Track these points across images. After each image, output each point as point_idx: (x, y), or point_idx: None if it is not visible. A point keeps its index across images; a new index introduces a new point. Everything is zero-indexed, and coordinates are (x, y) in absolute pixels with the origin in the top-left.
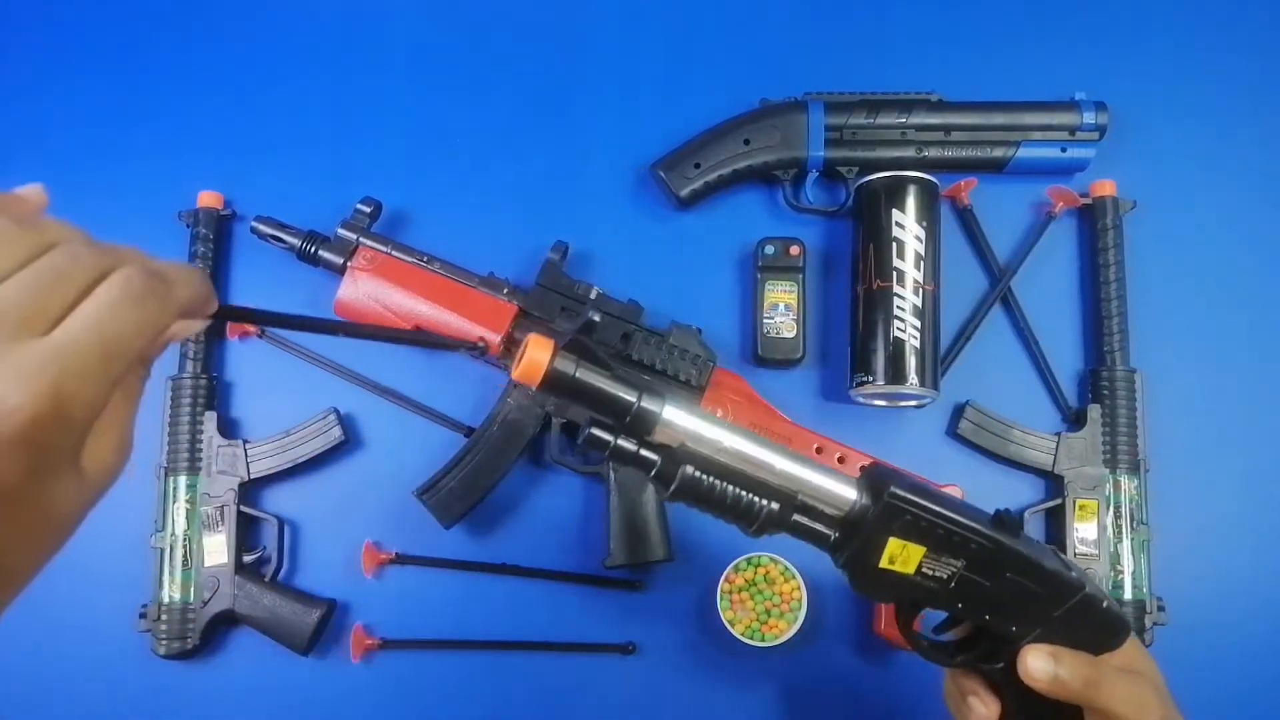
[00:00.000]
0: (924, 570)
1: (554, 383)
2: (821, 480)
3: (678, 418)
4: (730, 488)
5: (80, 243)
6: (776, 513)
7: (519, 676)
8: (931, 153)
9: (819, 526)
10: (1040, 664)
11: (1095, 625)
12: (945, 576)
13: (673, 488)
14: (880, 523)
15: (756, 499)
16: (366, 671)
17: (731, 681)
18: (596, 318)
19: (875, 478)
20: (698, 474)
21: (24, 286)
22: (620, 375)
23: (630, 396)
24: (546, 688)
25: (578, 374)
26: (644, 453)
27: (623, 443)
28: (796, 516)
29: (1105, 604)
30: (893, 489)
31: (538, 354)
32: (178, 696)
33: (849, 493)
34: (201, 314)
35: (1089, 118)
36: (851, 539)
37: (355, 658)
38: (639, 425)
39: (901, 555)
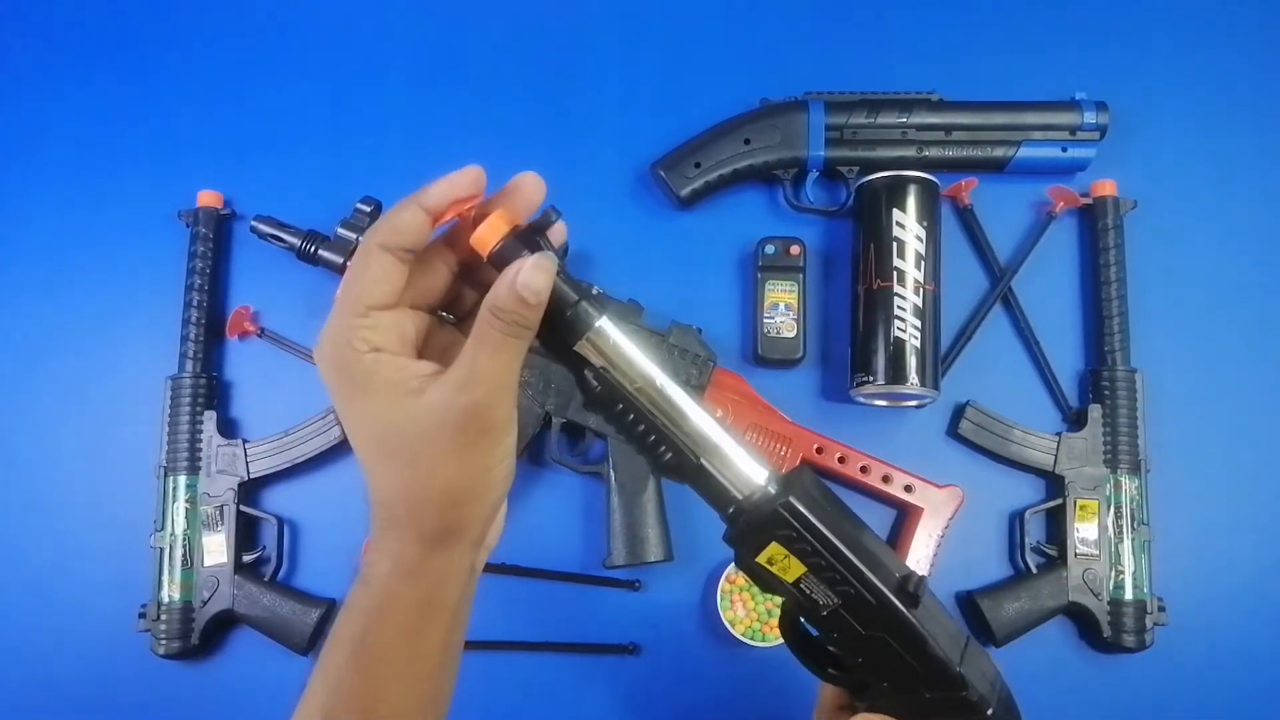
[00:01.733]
0: (802, 587)
1: (498, 260)
2: (732, 455)
3: (610, 334)
4: (640, 426)
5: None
6: (676, 465)
7: (519, 676)
8: (932, 152)
9: (719, 495)
10: None
11: None
12: (821, 603)
13: (586, 400)
14: (766, 523)
15: (660, 448)
16: None
17: (731, 681)
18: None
19: (790, 478)
20: (613, 398)
21: None
22: (570, 278)
23: (571, 296)
24: (547, 688)
25: (519, 253)
26: (570, 357)
27: (553, 339)
28: (699, 477)
29: (990, 712)
30: (789, 499)
31: (496, 227)
32: (177, 696)
33: (757, 477)
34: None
35: (1090, 117)
36: (741, 523)
37: None
38: (572, 327)
39: (782, 563)
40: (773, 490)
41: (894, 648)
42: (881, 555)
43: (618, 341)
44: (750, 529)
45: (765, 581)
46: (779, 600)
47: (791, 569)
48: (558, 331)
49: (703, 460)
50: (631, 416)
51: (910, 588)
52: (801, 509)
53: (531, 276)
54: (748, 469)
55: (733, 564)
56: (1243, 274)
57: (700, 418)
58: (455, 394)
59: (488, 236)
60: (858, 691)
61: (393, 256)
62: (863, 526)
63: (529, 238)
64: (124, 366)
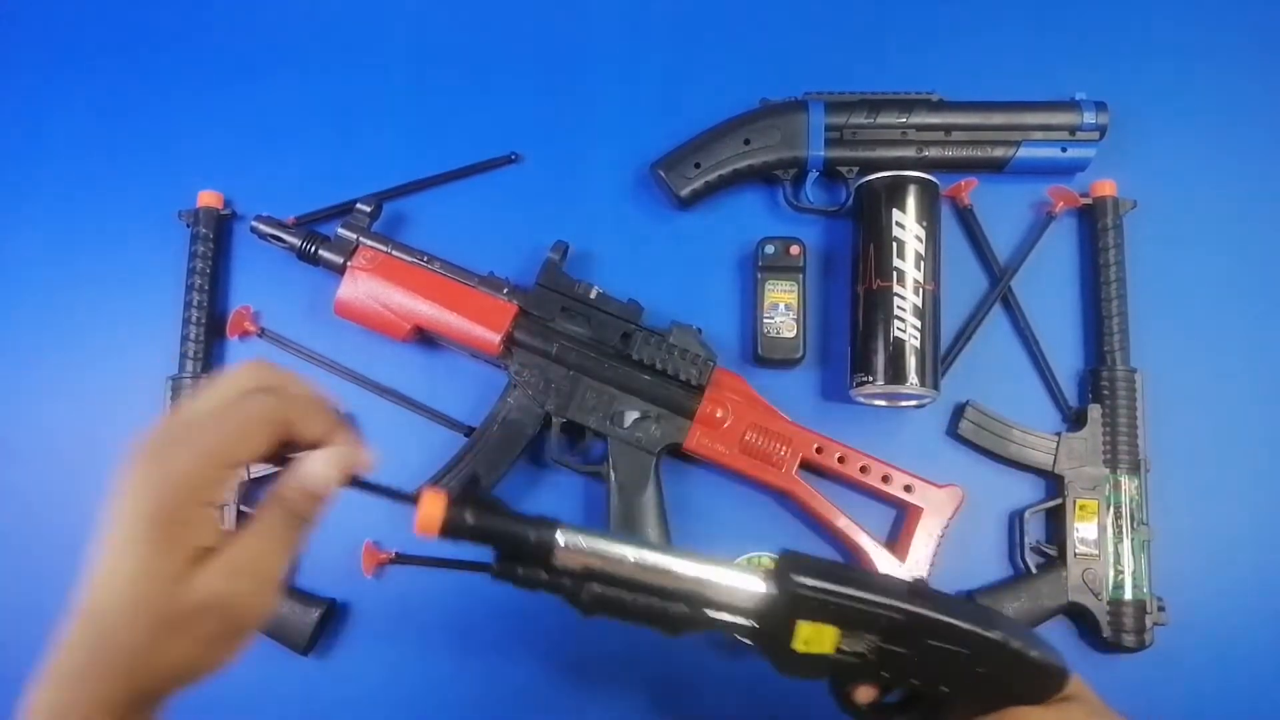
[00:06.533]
0: (842, 648)
1: (452, 530)
2: (728, 580)
3: (571, 543)
4: (640, 598)
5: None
6: (689, 615)
7: (519, 675)
8: (932, 152)
9: (737, 620)
10: None
11: (1026, 676)
12: (864, 650)
13: (584, 607)
14: (786, 609)
15: (668, 605)
16: (368, 670)
17: (731, 681)
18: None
19: (781, 565)
20: (606, 590)
21: None
22: (513, 515)
23: (525, 532)
24: (546, 686)
25: (470, 520)
26: (551, 579)
27: (529, 572)
28: (711, 614)
29: (1034, 653)
30: (792, 576)
31: (430, 509)
32: (177, 696)
33: (757, 586)
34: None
35: (1089, 117)
36: (766, 630)
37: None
38: (540, 554)
39: (816, 637)
40: (773, 587)
41: (939, 648)
42: (880, 579)
43: (586, 541)
44: (779, 624)
45: (811, 665)
46: None
47: (825, 637)
48: (530, 562)
49: (709, 594)
50: (635, 595)
51: (919, 589)
52: (805, 579)
53: (320, 470)
54: (745, 583)
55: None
56: (1242, 274)
57: (690, 560)
58: (223, 581)
59: (431, 516)
60: (929, 718)
61: (275, 429)
62: (852, 565)
63: (466, 498)
64: (124, 367)
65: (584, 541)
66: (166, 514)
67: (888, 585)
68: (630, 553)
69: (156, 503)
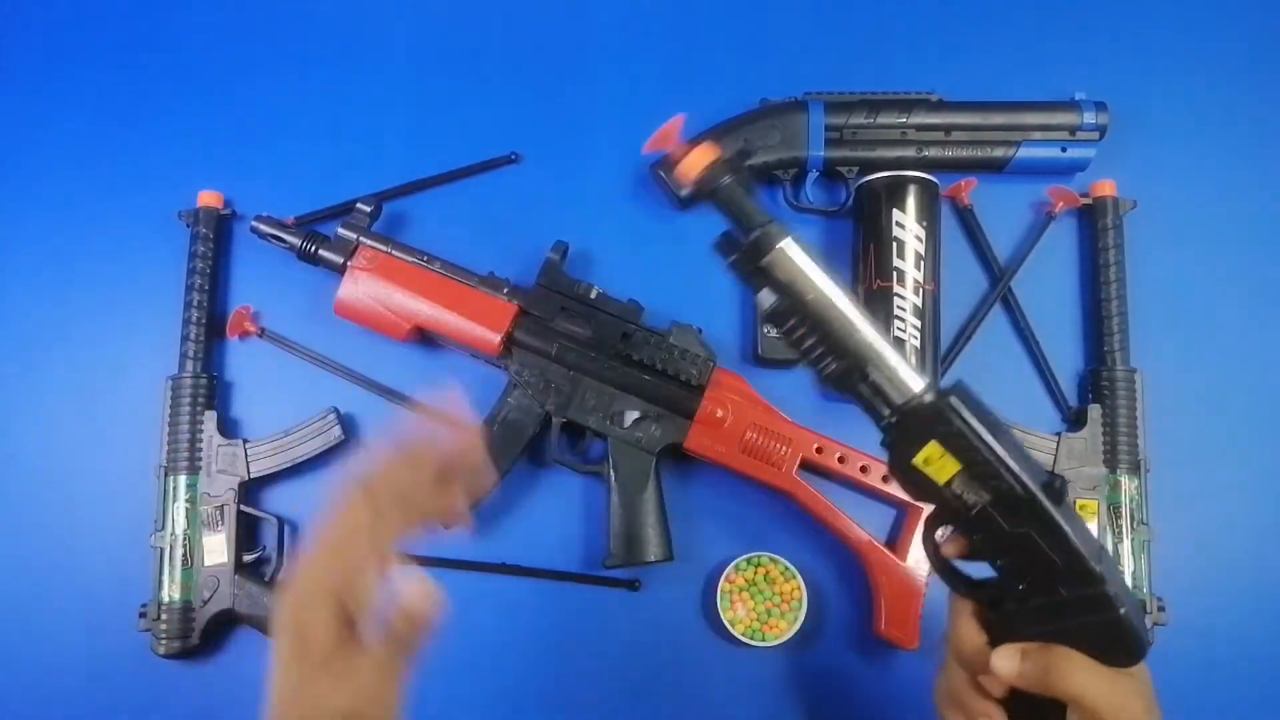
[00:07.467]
0: (953, 487)
1: (706, 180)
2: (894, 362)
3: (792, 253)
4: (811, 337)
5: None
6: (843, 373)
7: (520, 676)
8: (932, 153)
9: (878, 402)
10: (1006, 662)
11: (1102, 627)
12: (970, 503)
13: (765, 311)
14: (927, 421)
15: (830, 358)
16: None
17: (731, 681)
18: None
19: (950, 387)
20: (786, 311)
21: None
22: (759, 203)
23: (757, 220)
24: (547, 687)
25: (725, 181)
26: (755, 275)
27: (741, 260)
28: (861, 385)
29: (1123, 610)
30: (952, 396)
31: (702, 155)
32: (178, 696)
33: (916, 384)
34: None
35: (1089, 118)
36: (901, 426)
37: None
38: (758, 246)
39: (938, 462)
40: (930, 395)
41: (1037, 543)
42: (1027, 454)
43: (799, 260)
44: (911, 428)
45: (917, 484)
46: (777, 600)
47: (945, 469)
48: (746, 250)
49: (869, 368)
50: (804, 330)
51: (1056, 485)
52: (962, 407)
53: (416, 604)
54: (908, 377)
55: (732, 565)
56: (1242, 274)
57: (870, 331)
58: (351, 702)
59: (696, 162)
60: (992, 606)
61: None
62: (1013, 433)
63: (732, 165)
64: (124, 366)
65: (797, 256)
66: (292, 628)
67: (1029, 461)
68: (827, 291)
69: (287, 618)
